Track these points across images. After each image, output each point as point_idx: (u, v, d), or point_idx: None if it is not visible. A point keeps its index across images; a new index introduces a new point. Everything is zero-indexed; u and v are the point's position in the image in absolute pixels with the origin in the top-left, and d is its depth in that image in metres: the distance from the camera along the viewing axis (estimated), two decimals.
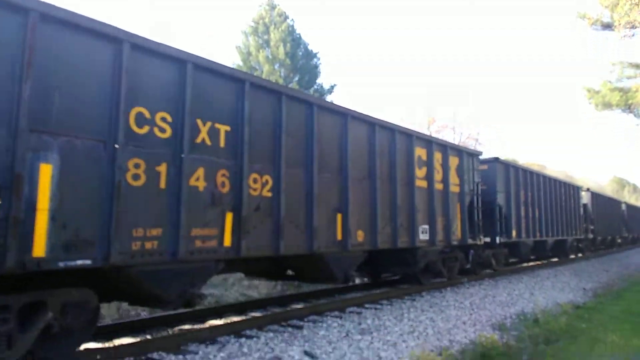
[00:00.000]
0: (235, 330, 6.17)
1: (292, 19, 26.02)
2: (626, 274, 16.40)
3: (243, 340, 5.83)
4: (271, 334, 6.14)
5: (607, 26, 16.34)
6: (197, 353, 5.22)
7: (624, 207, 32.17)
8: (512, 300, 9.74)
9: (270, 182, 6.12)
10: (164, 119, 4.93)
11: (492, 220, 12.65)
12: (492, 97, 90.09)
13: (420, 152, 9.43)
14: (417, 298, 9.27)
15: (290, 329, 6.49)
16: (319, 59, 26.31)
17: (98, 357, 4.78)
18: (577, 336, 6.96)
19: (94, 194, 4.27)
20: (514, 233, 13.86)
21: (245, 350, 5.39)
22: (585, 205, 21.91)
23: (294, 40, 25.50)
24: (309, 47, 26.24)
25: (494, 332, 6.94)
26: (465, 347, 6.19)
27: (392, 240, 8.39)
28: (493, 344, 5.95)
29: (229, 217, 5.49)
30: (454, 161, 10.61)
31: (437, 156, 9.98)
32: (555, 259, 18.95)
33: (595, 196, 24.10)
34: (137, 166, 4.61)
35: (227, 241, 5.47)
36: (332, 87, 26.49)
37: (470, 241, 10.97)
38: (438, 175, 9.96)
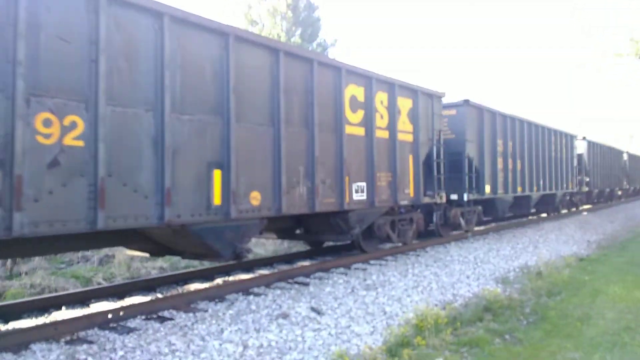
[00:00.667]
0: (243, 288, 6.31)
1: None
2: (631, 226, 16.47)
3: (251, 297, 5.97)
4: (278, 291, 6.28)
5: None
6: (206, 311, 5.36)
7: (625, 157, 30.34)
8: (516, 253, 9.84)
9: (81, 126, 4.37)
10: None
11: (459, 175, 11.05)
12: (492, 69, 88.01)
13: (354, 90, 7.66)
14: (421, 253, 9.38)
15: (297, 286, 6.62)
16: (320, 10, 25.52)
17: (109, 316, 4.92)
18: (579, 288, 7.07)
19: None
20: (487, 189, 11.94)
21: (253, 307, 5.53)
22: (580, 156, 20.29)
23: None
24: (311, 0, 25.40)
25: (497, 286, 7.06)
26: (469, 300, 6.32)
27: (308, 202, 6.76)
28: (496, 297, 6.06)
29: None
30: (405, 103, 8.88)
31: (381, 97, 8.22)
32: (544, 215, 17.94)
33: (592, 145, 21.98)
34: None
35: None
36: (335, 41, 25.85)
37: (426, 200, 9.44)
38: (382, 121, 8.24)
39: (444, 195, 10.03)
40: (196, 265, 8.38)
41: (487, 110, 12.05)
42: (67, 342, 4.39)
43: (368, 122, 7.94)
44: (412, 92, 9.11)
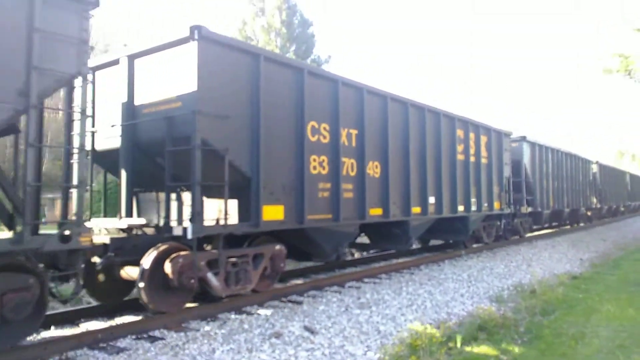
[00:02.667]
0: (236, 307, 6.23)
1: None
2: (623, 243, 16.54)
3: (244, 316, 5.90)
4: (271, 310, 6.21)
5: None
6: (198, 330, 5.29)
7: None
8: (510, 271, 9.83)
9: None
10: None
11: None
12: (491, 76, 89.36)
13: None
14: (415, 272, 9.35)
15: (290, 305, 6.56)
16: (314, 27, 25.85)
17: (99, 335, 4.83)
18: (573, 306, 7.05)
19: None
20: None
21: (246, 326, 5.46)
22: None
23: (289, 8, 24.99)
24: (305, 16, 25.74)
25: (492, 304, 7.03)
26: (463, 319, 6.27)
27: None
28: (490, 315, 6.03)
29: None
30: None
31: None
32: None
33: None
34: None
35: None
36: (329, 57, 26.12)
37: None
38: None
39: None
40: None
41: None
42: None
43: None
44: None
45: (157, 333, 5.19)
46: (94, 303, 6.32)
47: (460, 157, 11.03)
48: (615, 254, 13.59)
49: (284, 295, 6.97)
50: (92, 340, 4.75)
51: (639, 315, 6.41)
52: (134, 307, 6.30)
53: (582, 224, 22.40)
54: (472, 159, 11.56)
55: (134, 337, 5.05)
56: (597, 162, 24.83)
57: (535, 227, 17.03)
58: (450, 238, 11.93)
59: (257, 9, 25.03)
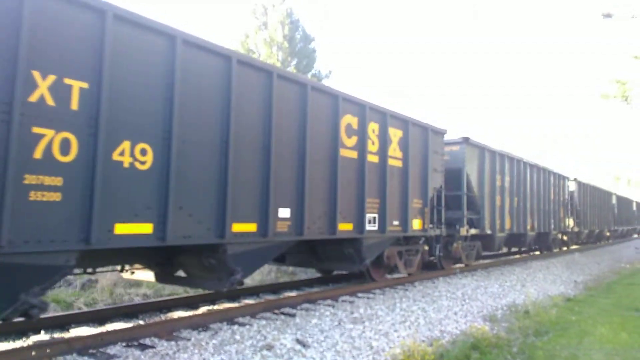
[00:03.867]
0: (228, 317, 6.19)
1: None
2: (617, 267, 16.55)
3: (235, 327, 5.86)
4: (264, 322, 6.17)
5: (608, 16, 16.19)
6: (189, 339, 5.24)
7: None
8: (504, 291, 9.81)
9: None
10: None
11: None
12: (482, 94, 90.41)
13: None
14: (409, 288, 9.31)
15: (283, 317, 6.51)
16: (316, 42, 26.09)
17: (89, 341, 4.78)
18: (567, 328, 7.03)
19: None
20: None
21: (237, 337, 5.41)
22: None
23: (292, 23, 25.22)
24: (307, 31, 25.97)
25: (485, 324, 7.00)
26: (456, 337, 6.24)
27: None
28: (484, 335, 6.00)
29: None
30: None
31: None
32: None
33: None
34: None
35: None
36: (330, 73, 26.30)
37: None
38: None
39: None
40: (180, 292, 8.23)
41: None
42: None
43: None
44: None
45: (147, 341, 5.14)
46: (85, 308, 6.27)
47: (347, 153, 7.68)
48: (610, 278, 13.59)
49: (276, 307, 6.93)
50: (81, 346, 4.70)
51: (631, 339, 6.39)
52: (125, 314, 6.26)
53: (557, 250, 19.34)
54: (371, 158, 8.19)
55: (124, 344, 5.00)
56: (575, 179, 21.80)
57: (487, 253, 14.01)
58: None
59: (260, 23, 25.24)
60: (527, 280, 11.51)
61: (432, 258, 10.95)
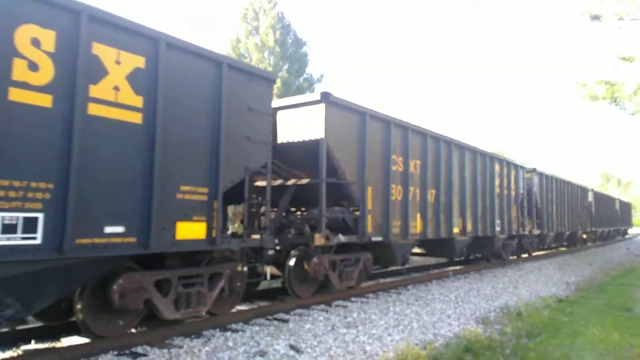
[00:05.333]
0: (220, 324, 6.15)
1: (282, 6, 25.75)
2: (609, 268, 16.67)
3: (228, 334, 5.83)
4: (257, 328, 6.14)
5: (596, 18, 16.33)
6: (181, 347, 5.21)
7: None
8: (496, 293, 9.85)
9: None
10: None
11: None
12: (481, 99, 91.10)
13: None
14: (402, 291, 9.32)
15: (276, 323, 6.49)
16: (308, 46, 26.11)
17: (80, 351, 4.73)
18: (559, 329, 7.07)
19: None
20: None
21: (230, 344, 5.38)
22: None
23: (283, 27, 25.27)
24: (298, 35, 26.02)
25: (478, 326, 7.02)
26: (450, 340, 6.25)
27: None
28: (477, 337, 6.02)
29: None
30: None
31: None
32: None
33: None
34: None
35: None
36: (321, 77, 26.37)
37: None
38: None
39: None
40: None
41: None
42: None
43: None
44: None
45: (139, 349, 5.10)
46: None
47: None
48: (601, 279, 13.69)
49: (270, 313, 6.90)
50: (72, 356, 4.64)
51: (623, 340, 6.43)
52: None
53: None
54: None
55: (115, 352, 4.95)
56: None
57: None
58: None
59: (252, 27, 25.28)
60: (519, 282, 11.57)
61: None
